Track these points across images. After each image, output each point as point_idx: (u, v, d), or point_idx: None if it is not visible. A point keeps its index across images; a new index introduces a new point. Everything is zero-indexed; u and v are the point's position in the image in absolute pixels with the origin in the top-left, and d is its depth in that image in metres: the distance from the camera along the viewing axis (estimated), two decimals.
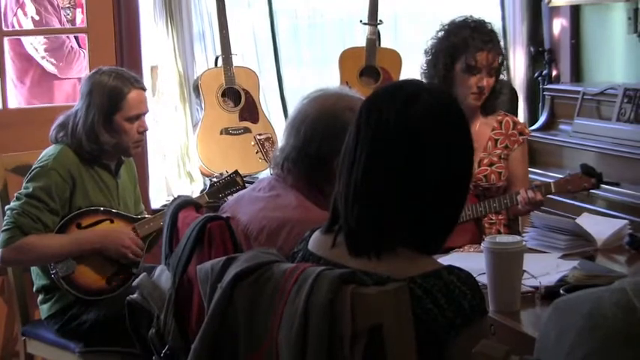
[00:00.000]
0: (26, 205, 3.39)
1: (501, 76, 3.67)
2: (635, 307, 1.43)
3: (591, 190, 3.61)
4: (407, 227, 1.83)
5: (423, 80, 3.64)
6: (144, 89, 3.60)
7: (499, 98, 3.70)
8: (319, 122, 2.50)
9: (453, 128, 1.90)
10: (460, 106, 1.95)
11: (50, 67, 4.87)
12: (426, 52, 3.69)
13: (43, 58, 4.85)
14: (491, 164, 3.65)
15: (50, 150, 3.52)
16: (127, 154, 3.63)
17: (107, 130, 3.47)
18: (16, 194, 3.46)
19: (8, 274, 3.81)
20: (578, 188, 3.50)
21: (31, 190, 3.41)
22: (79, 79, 4.73)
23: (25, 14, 4.80)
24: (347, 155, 1.89)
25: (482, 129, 3.69)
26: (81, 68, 4.86)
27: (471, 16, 3.65)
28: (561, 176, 3.60)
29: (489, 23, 3.67)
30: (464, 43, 3.56)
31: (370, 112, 1.89)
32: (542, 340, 1.57)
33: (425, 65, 3.69)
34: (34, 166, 3.49)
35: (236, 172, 3.76)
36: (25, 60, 4.86)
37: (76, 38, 4.95)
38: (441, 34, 3.66)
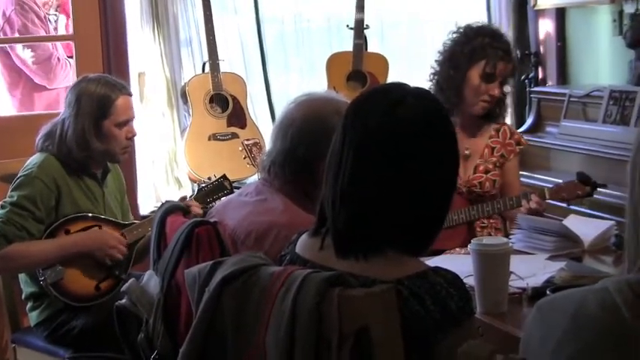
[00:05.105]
0: (11, 213, 3.38)
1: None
2: (619, 307, 1.43)
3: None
4: (394, 229, 1.83)
5: (431, 79, 3.66)
6: (130, 95, 3.62)
7: (504, 105, 3.71)
8: (306, 126, 2.51)
9: (439, 131, 1.90)
10: (445, 109, 1.96)
11: (39, 79, 4.87)
12: (439, 52, 3.67)
13: (31, 71, 4.86)
14: (486, 171, 3.66)
15: (35, 158, 3.51)
16: (115, 160, 3.63)
17: (97, 136, 3.47)
18: (0, 203, 3.46)
19: None
20: (572, 196, 3.50)
21: (15, 198, 3.40)
22: (64, 88, 4.73)
23: (11, 28, 4.80)
24: (333, 159, 1.89)
25: (479, 136, 3.70)
26: (68, 78, 4.86)
27: (487, 24, 3.67)
28: (548, 178, 3.60)
29: (504, 34, 3.69)
30: (483, 49, 3.56)
31: (356, 115, 1.89)
32: (527, 341, 1.58)
33: (436, 64, 3.67)
34: (18, 175, 3.48)
35: (224, 177, 3.75)
36: (15, 73, 4.86)
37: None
38: (455, 35, 3.64)
